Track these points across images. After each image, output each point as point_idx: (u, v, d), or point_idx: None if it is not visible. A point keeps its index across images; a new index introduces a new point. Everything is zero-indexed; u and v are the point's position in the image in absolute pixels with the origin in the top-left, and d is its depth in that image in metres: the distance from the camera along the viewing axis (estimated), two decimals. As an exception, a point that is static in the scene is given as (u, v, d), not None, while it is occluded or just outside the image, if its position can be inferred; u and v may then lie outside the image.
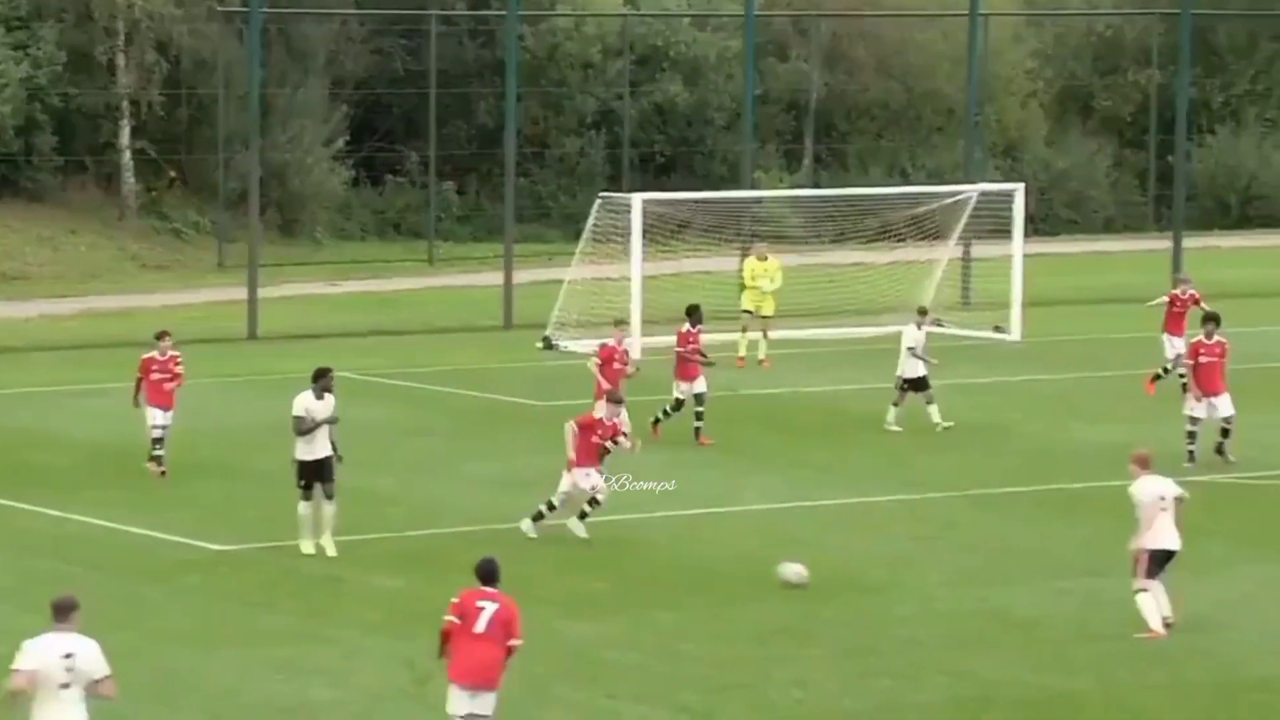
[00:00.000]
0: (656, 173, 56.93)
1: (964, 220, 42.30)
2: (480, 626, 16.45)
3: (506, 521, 25.33)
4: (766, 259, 37.84)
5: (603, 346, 30.19)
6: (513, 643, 16.56)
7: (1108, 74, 62.75)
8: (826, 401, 33.79)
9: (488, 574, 16.78)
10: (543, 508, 24.48)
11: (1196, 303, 34.22)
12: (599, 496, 24.37)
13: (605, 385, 28.43)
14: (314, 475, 23.62)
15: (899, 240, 42.84)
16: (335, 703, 19.05)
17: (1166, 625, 20.90)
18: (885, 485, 27.68)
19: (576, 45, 56.92)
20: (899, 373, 31.06)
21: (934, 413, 30.74)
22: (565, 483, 24.45)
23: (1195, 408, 28.63)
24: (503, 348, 39.73)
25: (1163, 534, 21.01)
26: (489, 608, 16.55)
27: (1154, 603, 20.87)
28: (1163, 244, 49.76)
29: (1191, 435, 28.45)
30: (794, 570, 22.31)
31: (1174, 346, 33.68)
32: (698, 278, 42.55)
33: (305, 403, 23.64)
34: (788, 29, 59.50)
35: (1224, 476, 27.99)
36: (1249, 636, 20.91)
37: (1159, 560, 20.97)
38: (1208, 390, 28.52)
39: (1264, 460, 29.05)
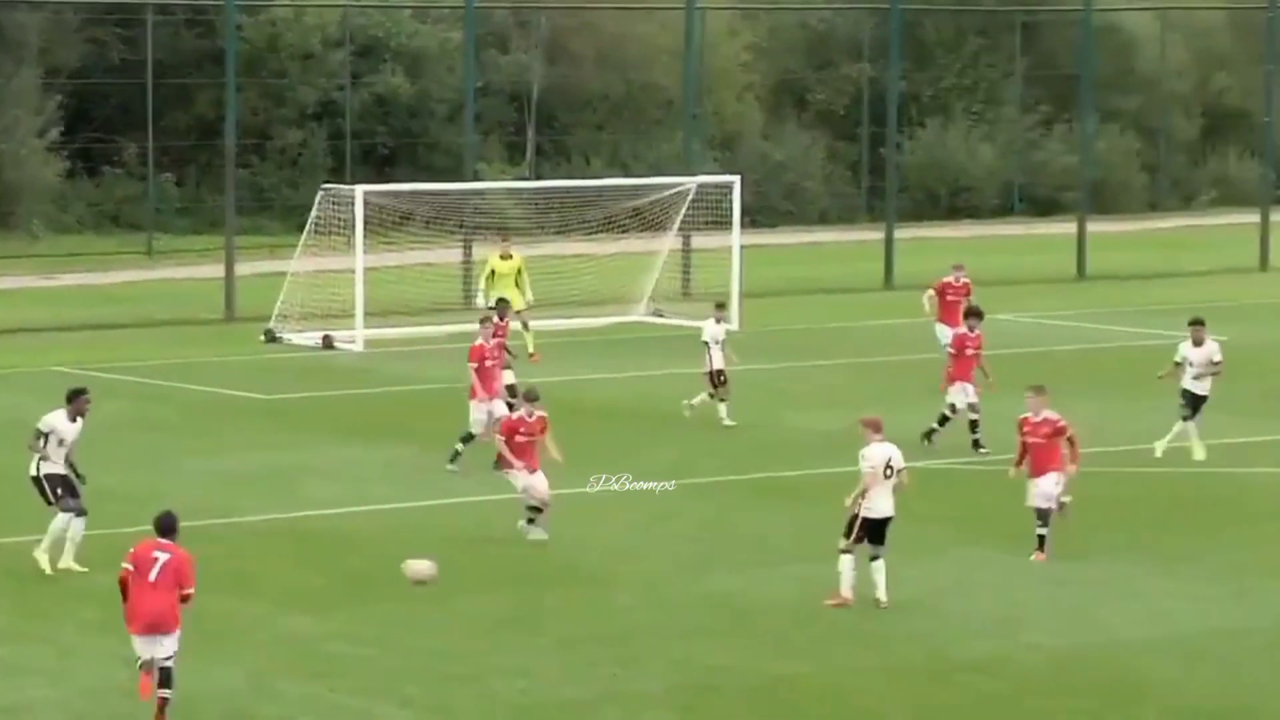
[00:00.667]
0: (379, 164, 56.59)
1: (683, 212, 42.62)
2: (153, 575, 17.71)
3: (228, 516, 25.02)
4: (511, 256, 37.16)
5: (476, 347, 28.29)
6: (185, 590, 17.85)
7: (821, 67, 63.57)
8: (551, 392, 33.80)
9: (166, 527, 18.06)
10: (528, 513, 24.02)
11: (968, 293, 34.56)
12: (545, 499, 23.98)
13: (484, 388, 27.51)
14: (68, 488, 22.75)
15: (622, 232, 43.06)
16: (54, 702, 18.67)
17: (879, 605, 21.29)
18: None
19: (296, 36, 56.31)
20: (708, 368, 31.08)
21: (724, 410, 30.85)
22: (520, 482, 24.03)
23: (954, 395, 29.25)
24: (225, 341, 39.22)
25: (879, 501, 21.41)
26: (162, 558, 17.82)
27: (850, 567, 21.34)
28: (875, 235, 50.55)
29: (944, 420, 29.12)
30: (422, 567, 21.93)
31: (947, 335, 33.64)
32: (419, 270, 42.41)
33: (54, 422, 22.74)
34: (508, 21, 59.45)
35: (939, 461, 28.53)
36: (960, 619, 21.33)
37: (871, 528, 21.38)
38: (965, 380, 29.16)
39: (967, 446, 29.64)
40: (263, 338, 38.91)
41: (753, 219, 51.46)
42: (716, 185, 43.26)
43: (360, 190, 39.29)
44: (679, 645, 20.42)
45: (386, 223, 41.46)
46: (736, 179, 43.04)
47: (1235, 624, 21.19)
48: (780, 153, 60.91)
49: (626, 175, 54.92)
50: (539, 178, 55.19)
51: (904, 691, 19.26)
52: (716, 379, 31.19)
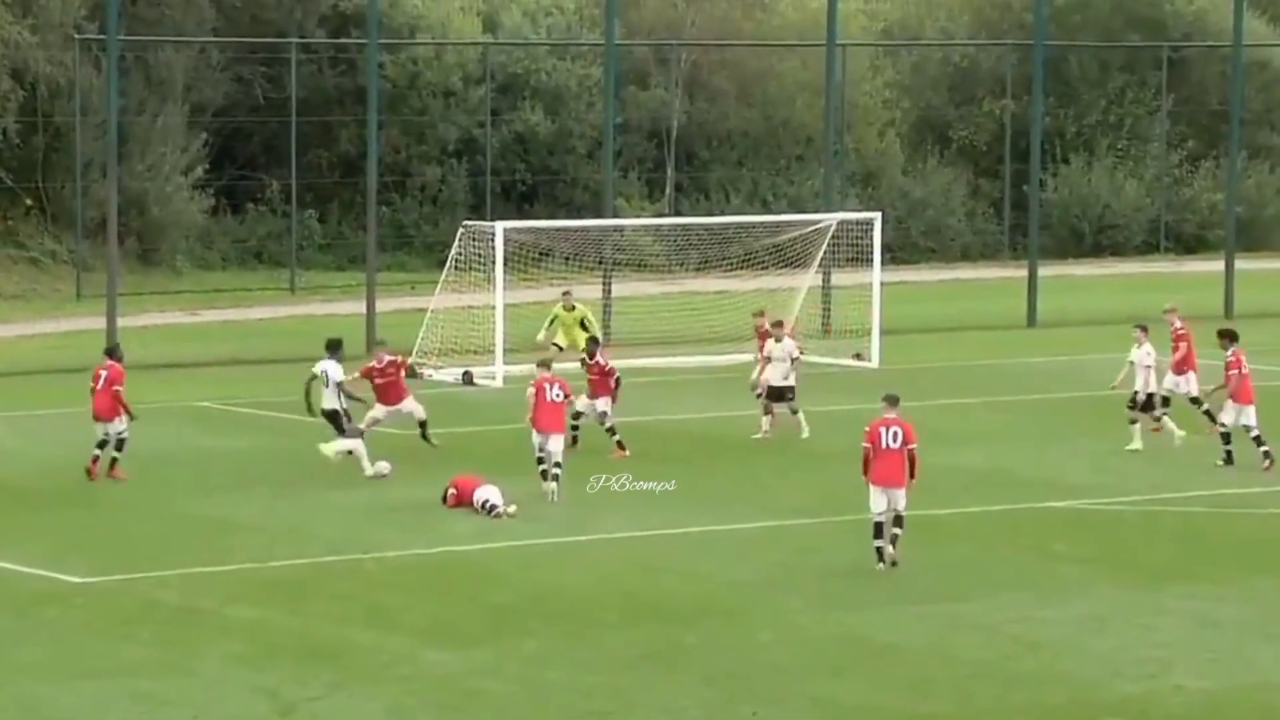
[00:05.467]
0: (519, 201, 56.96)
1: (824, 248, 42.57)
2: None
3: (370, 551, 25.21)
4: (574, 308, 37.80)
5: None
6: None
7: (963, 104, 63.40)
8: (690, 428, 33.87)
9: None
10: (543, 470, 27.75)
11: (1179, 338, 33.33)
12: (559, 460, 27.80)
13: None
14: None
15: (761, 268, 43.06)
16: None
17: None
18: (748, 512, 27.77)
19: (437, 73, 56.85)
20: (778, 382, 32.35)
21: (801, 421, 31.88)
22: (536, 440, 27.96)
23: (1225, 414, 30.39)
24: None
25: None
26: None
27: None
28: (1018, 272, 50.29)
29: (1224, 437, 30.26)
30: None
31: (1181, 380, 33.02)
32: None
33: (325, 365, 29.52)
34: (648, 57, 59.71)
35: (1079, 502, 28.30)
36: (1105, 659, 21.13)
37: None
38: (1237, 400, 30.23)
39: (1118, 486, 29.42)
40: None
41: (894, 256, 51.41)
42: (857, 222, 43.21)
43: (500, 226, 39.55)
44: (820, 683, 20.36)
45: (526, 259, 41.72)
46: (877, 215, 42.96)
47: (1388, 667, 20.85)
48: (921, 189, 60.78)
49: (766, 212, 54.99)
50: (678, 214, 55.33)
51: (1048, 732, 19.10)
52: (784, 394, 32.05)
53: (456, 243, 40.65)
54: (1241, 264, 51.20)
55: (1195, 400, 32.43)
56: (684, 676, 20.51)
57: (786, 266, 42.81)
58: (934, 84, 63.72)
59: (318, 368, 29.89)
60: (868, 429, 24.35)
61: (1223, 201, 56.05)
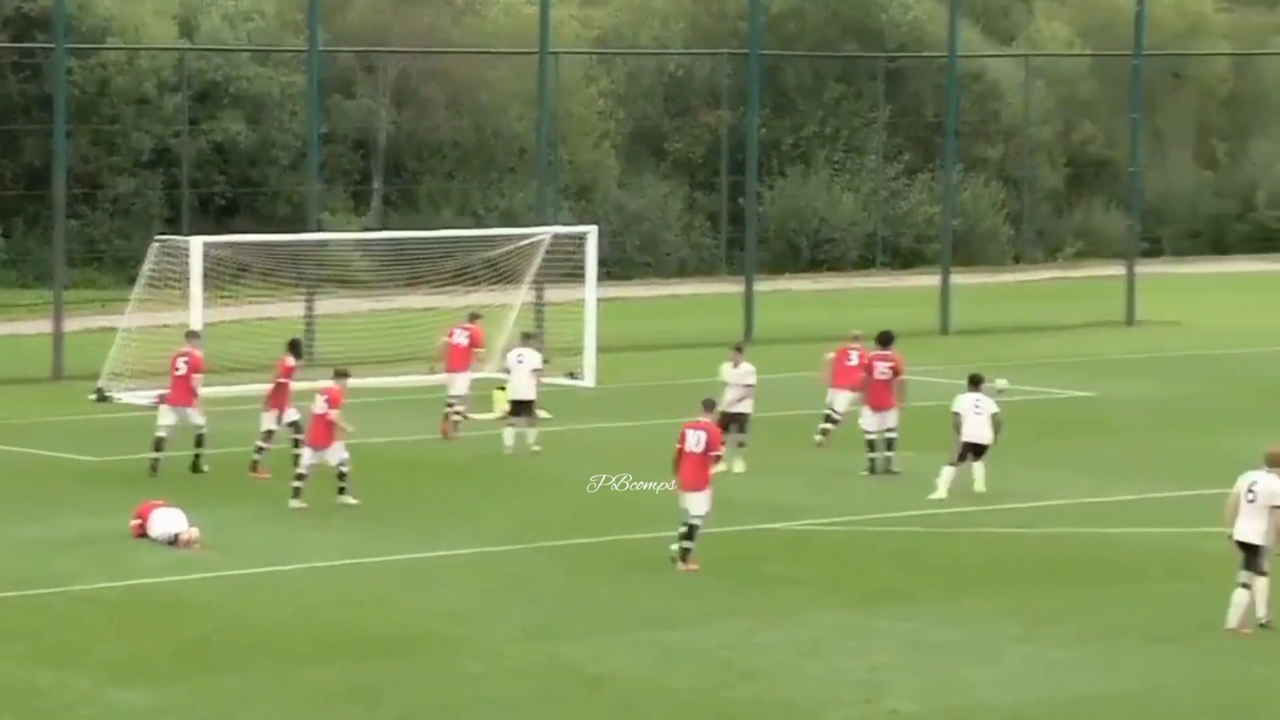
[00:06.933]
0: (218, 214, 56.32)
1: (537, 263, 42.67)
2: None
3: (55, 585, 24.75)
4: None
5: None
6: None
7: (679, 114, 63.98)
8: (396, 452, 33.75)
9: None
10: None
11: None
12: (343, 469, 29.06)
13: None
14: None
15: (474, 283, 43.01)
16: None
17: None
18: (452, 539, 27.76)
19: (129, 80, 56.01)
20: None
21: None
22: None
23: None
24: (53, 401, 38.82)
25: None
26: None
27: None
28: (735, 288, 50.88)
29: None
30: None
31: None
32: (260, 324, 42.18)
33: None
34: (354, 65, 59.43)
35: (797, 523, 28.72)
36: (820, 683, 21.44)
37: None
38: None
39: (835, 507, 29.89)
40: (93, 397, 38.53)
41: (609, 271, 51.68)
42: (571, 236, 43.38)
43: (198, 241, 39.06)
44: (530, 716, 20.41)
45: (224, 276, 41.22)
46: (592, 229, 43.16)
47: (1101, 689, 21.42)
48: (637, 202, 61.20)
49: (478, 225, 54.99)
50: (386, 228, 55.13)
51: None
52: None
53: (149, 258, 40.07)
54: (958, 278, 52.32)
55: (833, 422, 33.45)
56: (388, 711, 20.43)
57: (500, 282, 42.83)
58: (649, 94, 64.22)
59: None
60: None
61: (939, 215, 57.24)
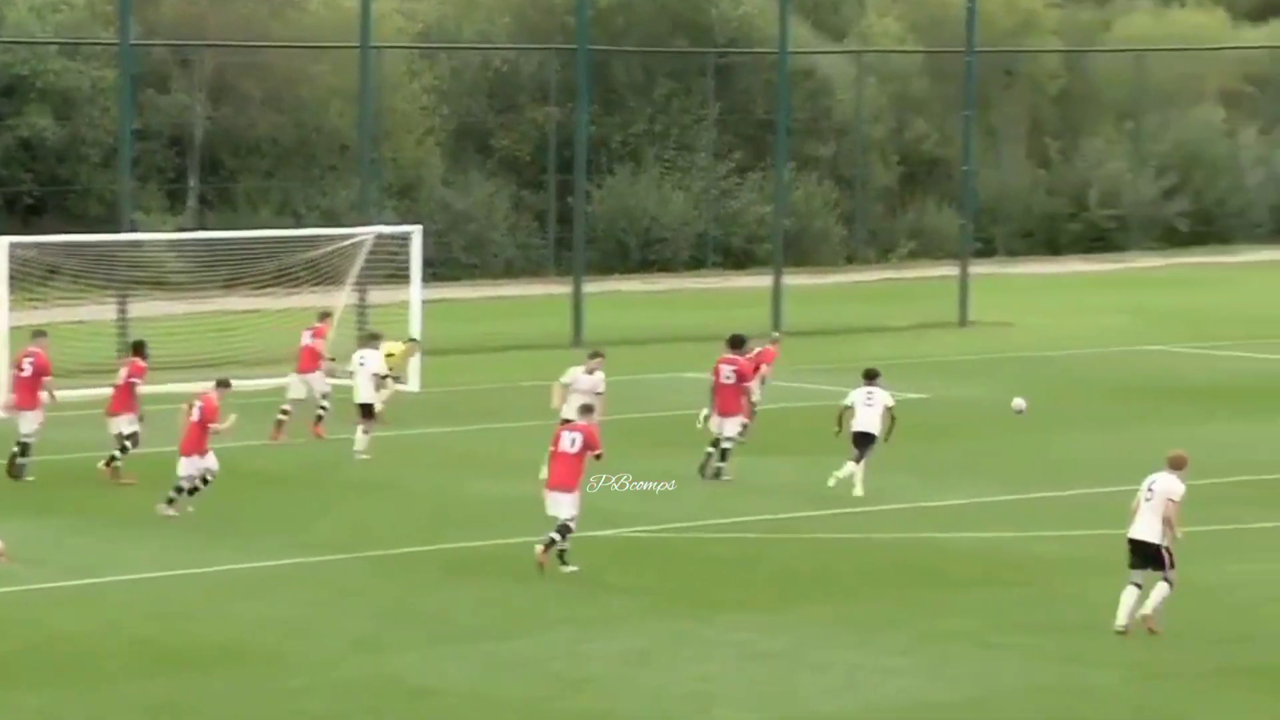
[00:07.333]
0: (25, 213, 55.46)
1: (360, 264, 42.37)
2: None
3: None
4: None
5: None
6: None
7: (505, 111, 63.78)
8: (221, 459, 33.36)
9: None
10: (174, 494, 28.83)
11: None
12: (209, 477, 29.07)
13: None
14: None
15: (295, 285, 42.64)
16: None
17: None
18: (278, 548, 27.49)
19: (-72, 74, 55.11)
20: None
21: None
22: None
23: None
24: None
25: None
26: None
27: None
28: (564, 289, 50.82)
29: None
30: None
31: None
32: (71, 328, 41.56)
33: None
34: (168, 59, 58.76)
35: (629, 530, 28.71)
36: (651, 694, 21.42)
37: None
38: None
39: (669, 513, 29.92)
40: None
41: (434, 272, 51.44)
42: (395, 236, 43.13)
43: (3, 241, 38.44)
44: (353, 731, 20.26)
45: (32, 278, 40.57)
46: (417, 229, 42.93)
47: (932, 696, 21.57)
48: (463, 201, 60.96)
49: (299, 225, 54.54)
50: (203, 227, 54.54)
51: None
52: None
53: (-47, 260, 39.33)
54: (790, 279, 52.55)
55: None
56: (207, 728, 20.20)
57: (322, 283, 42.48)
58: (474, 90, 63.95)
59: None
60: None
61: (771, 214, 57.47)
